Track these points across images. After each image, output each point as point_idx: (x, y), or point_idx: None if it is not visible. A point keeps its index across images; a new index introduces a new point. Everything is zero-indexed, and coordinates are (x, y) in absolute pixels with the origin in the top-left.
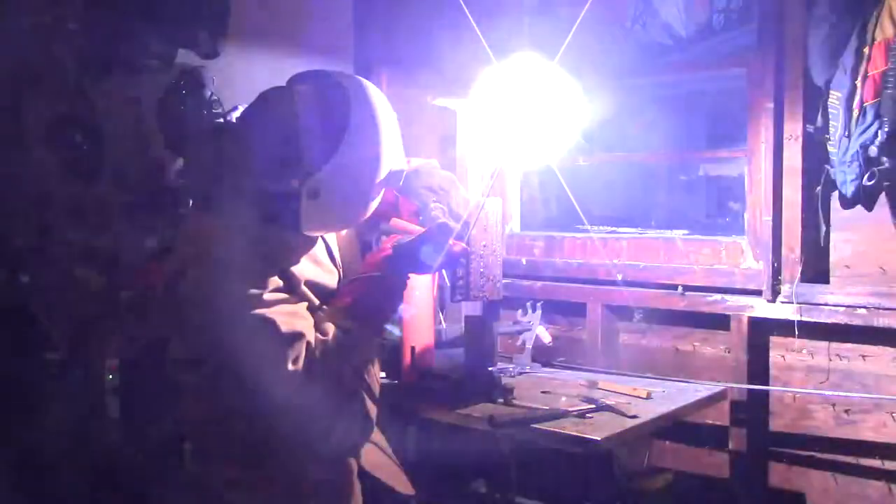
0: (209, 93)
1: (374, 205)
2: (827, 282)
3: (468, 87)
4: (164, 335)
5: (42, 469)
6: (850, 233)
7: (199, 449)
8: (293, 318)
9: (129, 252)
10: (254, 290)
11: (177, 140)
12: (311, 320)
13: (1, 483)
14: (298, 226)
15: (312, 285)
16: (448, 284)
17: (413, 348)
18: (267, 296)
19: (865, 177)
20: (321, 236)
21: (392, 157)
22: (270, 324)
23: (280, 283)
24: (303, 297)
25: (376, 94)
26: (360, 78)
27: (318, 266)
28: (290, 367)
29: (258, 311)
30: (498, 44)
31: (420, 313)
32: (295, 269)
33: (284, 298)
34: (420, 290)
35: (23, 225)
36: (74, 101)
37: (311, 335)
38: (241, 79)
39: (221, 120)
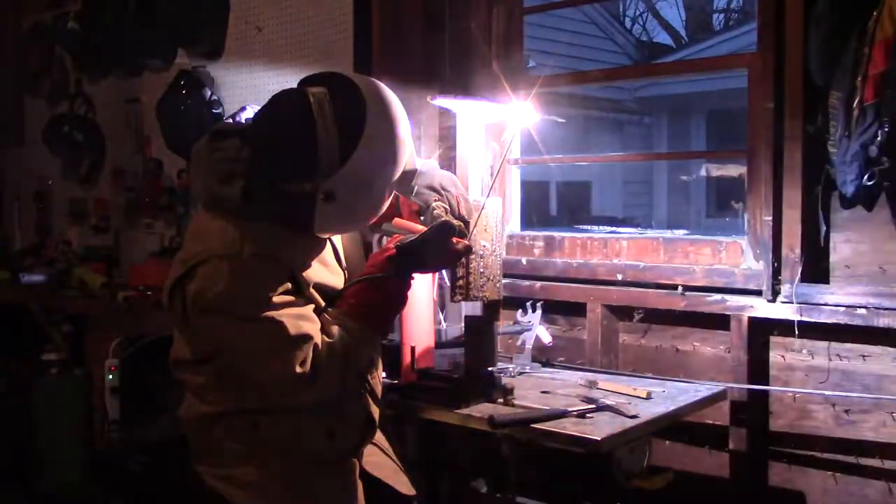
0: (209, 93)
1: (385, 205)
2: (827, 282)
3: (468, 87)
4: (167, 334)
5: (42, 468)
6: (850, 233)
7: (201, 448)
8: (301, 320)
9: (129, 252)
10: (263, 293)
11: (177, 140)
12: (318, 323)
13: (1, 482)
14: (312, 228)
15: (319, 287)
16: (448, 284)
17: (413, 348)
18: (275, 298)
19: (865, 177)
20: (329, 237)
21: (406, 157)
22: (278, 326)
23: (289, 285)
24: (310, 299)
25: (390, 94)
26: (373, 79)
27: (325, 267)
28: (298, 369)
29: (267, 313)
30: (497, 44)
31: (420, 313)
32: (304, 271)
33: (292, 301)
34: (420, 290)
35: (23, 225)
36: (74, 101)
37: (318, 338)
38: (242, 79)
39: (231, 120)
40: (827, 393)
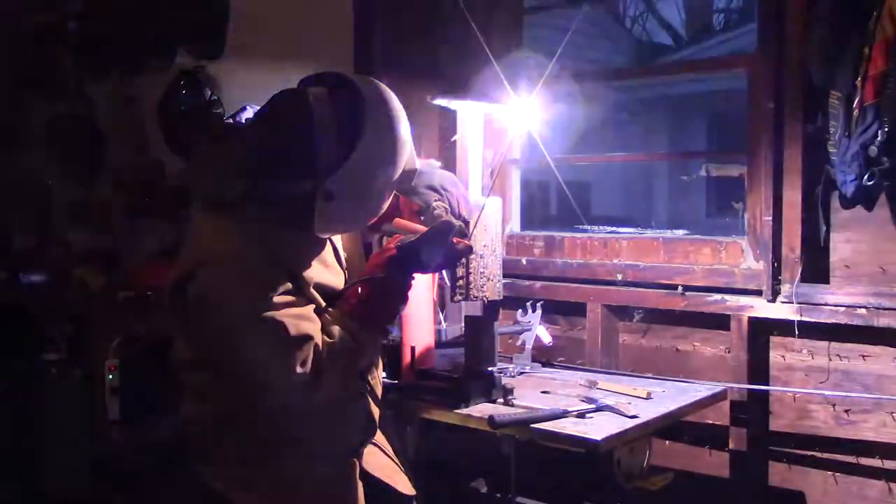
0: (209, 93)
1: (386, 205)
2: (827, 282)
3: (468, 87)
4: (167, 335)
5: (42, 468)
6: (850, 233)
7: (201, 449)
8: (301, 320)
9: (129, 252)
10: (263, 293)
11: (177, 140)
12: (318, 323)
13: (1, 482)
14: (312, 228)
15: (320, 287)
16: (448, 284)
17: (413, 348)
18: (276, 298)
19: (865, 177)
20: (329, 237)
21: (406, 157)
22: (279, 326)
23: (289, 285)
24: (310, 300)
25: (390, 94)
26: (373, 79)
27: (325, 268)
28: (299, 369)
29: (268, 313)
30: (497, 44)
31: (420, 313)
32: (304, 271)
33: (293, 301)
34: (420, 290)
35: (23, 225)
36: (74, 101)
37: (318, 338)
38: (241, 79)
39: (231, 120)
40: (827, 393)
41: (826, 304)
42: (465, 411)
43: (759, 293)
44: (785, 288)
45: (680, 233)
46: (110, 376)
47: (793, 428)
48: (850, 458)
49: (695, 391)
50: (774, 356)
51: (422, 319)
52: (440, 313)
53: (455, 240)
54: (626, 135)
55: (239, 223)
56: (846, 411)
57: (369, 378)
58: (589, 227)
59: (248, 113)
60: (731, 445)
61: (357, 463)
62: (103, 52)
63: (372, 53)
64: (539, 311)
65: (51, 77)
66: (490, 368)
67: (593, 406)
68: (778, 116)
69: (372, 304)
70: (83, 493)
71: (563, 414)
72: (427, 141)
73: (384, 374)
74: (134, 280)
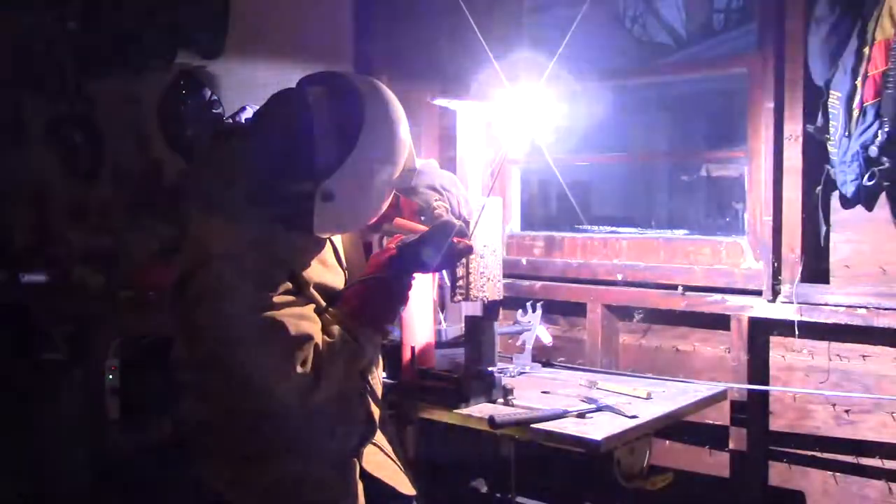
0: (209, 93)
1: (385, 205)
2: (827, 282)
3: (468, 87)
4: (167, 335)
5: (42, 468)
6: (850, 233)
7: (202, 449)
8: (301, 320)
9: (129, 252)
10: (264, 293)
11: (177, 140)
12: (318, 323)
13: (2, 482)
14: (311, 228)
15: (320, 287)
16: (448, 284)
17: (413, 348)
18: (276, 298)
19: (865, 177)
20: (329, 237)
21: (405, 156)
22: (279, 326)
23: (289, 285)
24: (310, 299)
25: (388, 94)
26: (371, 78)
27: (325, 268)
28: (299, 369)
29: (268, 313)
30: (497, 44)
31: (420, 313)
32: (304, 271)
33: (293, 301)
34: (420, 290)
35: (23, 225)
36: (74, 101)
37: (318, 338)
38: (242, 79)
39: (231, 120)
40: (827, 393)
41: (826, 304)
42: (465, 411)
43: (759, 293)
44: (785, 288)
45: (680, 233)
46: (110, 376)
47: (793, 428)
48: (850, 458)
49: (695, 391)
50: (774, 356)
51: (422, 319)
52: (440, 313)
53: (455, 240)
54: (626, 135)
55: (239, 223)
56: (846, 411)
57: (369, 378)
58: (589, 227)
59: (248, 113)
60: (731, 445)
61: (357, 463)
62: (103, 52)
63: (372, 53)
64: (539, 311)
65: (51, 77)
66: (490, 368)
67: (593, 406)
68: (778, 116)
69: (372, 304)
70: (83, 493)
71: (563, 414)
72: (427, 141)
73: (384, 374)
74: (134, 280)
